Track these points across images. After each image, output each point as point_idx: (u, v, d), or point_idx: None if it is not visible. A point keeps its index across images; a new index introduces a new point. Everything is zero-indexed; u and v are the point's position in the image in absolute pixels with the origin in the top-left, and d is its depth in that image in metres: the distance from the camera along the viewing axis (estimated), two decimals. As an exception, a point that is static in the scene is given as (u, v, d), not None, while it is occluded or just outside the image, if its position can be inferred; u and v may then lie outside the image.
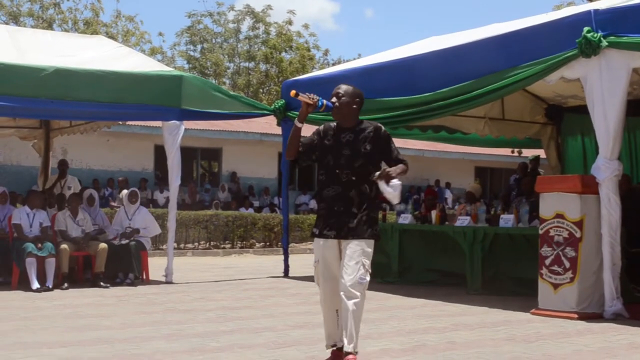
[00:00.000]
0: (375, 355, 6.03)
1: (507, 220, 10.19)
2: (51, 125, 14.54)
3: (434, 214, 11.48)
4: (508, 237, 10.12)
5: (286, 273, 12.70)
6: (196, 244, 18.67)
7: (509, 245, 10.11)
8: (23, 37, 12.42)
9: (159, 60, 20.95)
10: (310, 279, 11.96)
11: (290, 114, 12.62)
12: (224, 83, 37.51)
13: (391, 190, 5.35)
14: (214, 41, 38.49)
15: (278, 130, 14.00)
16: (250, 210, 21.63)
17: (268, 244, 19.54)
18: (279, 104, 12.85)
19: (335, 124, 5.69)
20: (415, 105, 10.47)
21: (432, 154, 26.92)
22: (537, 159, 14.50)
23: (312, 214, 22.46)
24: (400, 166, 5.45)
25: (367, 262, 5.41)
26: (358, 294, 5.35)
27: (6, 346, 6.28)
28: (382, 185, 5.38)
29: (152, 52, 36.45)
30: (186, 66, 37.21)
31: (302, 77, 15.37)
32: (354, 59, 31.25)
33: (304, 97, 5.51)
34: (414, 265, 11.60)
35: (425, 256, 11.59)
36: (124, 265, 11.15)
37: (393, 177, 5.34)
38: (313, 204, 24.67)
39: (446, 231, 10.93)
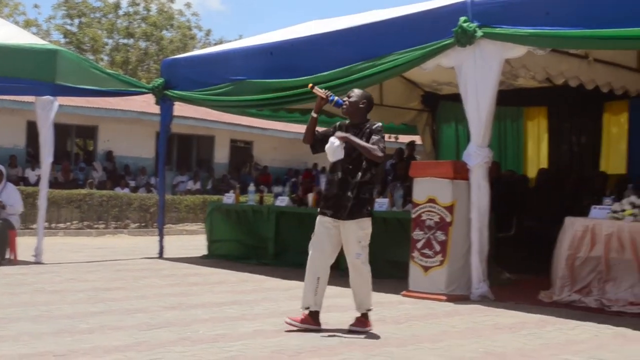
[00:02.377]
0: (248, 336, 6.04)
1: (381, 204, 10.36)
2: None
3: (310, 197, 11.55)
4: (382, 221, 10.27)
5: (161, 254, 12.55)
6: (69, 223, 18.19)
7: (383, 229, 10.25)
8: None
9: (33, 34, 20.16)
10: (185, 260, 11.94)
11: (169, 93, 12.43)
12: (102, 59, 36.59)
13: (329, 145, 6.24)
14: (92, 16, 37.43)
15: (156, 109, 13.74)
16: (126, 190, 21.23)
17: (143, 224, 19.25)
18: (158, 83, 12.62)
19: (348, 121, 6.51)
20: (293, 88, 10.49)
21: (312, 138, 27.04)
22: (412, 144, 14.82)
23: (188, 194, 22.27)
24: (364, 143, 6.22)
25: (363, 240, 6.40)
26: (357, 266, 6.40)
27: None
28: (332, 139, 6.26)
29: (27, 25, 35.13)
30: (62, 40, 36.08)
31: (182, 55, 15.15)
32: (236, 39, 31.10)
33: (319, 92, 6.43)
34: (290, 247, 11.65)
35: (301, 239, 11.62)
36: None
37: (342, 138, 6.22)
38: (191, 184, 24.46)
39: (322, 214, 11.00)
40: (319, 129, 6.63)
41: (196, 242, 14.65)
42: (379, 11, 11.08)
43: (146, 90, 12.93)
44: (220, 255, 12.39)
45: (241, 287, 9.07)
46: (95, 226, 18.53)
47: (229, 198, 12.90)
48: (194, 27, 39.29)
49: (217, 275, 10.20)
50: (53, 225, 17.50)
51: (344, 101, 6.43)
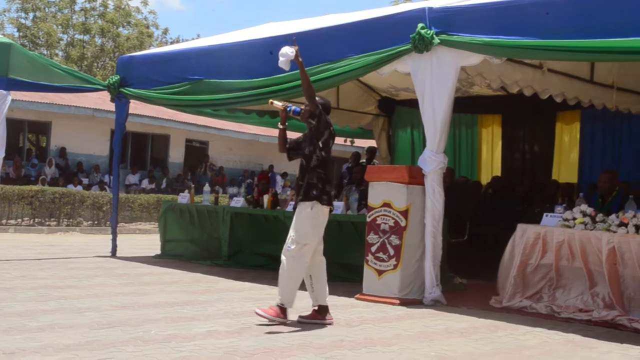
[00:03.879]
0: (201, 337, 6.02)
1: (337, 207, 10.36)
2: None
3: (266, 198, 11.55)
4: (337, 224, 10.30)
5: (114, 253, 12.43)
6: (20, 220, 17.94)
7: (338, 232, 10.29)
8: None
9: None
10: (138, 259, 11.85)
11: (124, 91, 12.33)
12: (57, 55, 36.16)
13: (284, 51, 6.75)
14: (47, 10, 36.98)
15: (111, 107, 13.65)
16: (79, 188, 21.01)
17: (96, 222, 19.05)
18: (114, 80, 12.50)
19: None
20: (250, 89, 10.49)
21: (267, 139, 27.03)
22: (373, 150, 14.87)
23: (142, 193, 22.10)
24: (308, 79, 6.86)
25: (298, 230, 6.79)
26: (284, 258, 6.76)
27: None
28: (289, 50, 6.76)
29: (-20, 17, 34.61)
30: (16, 34, 35.57)
31: (139, 53, 15.05)
32: (193, 39, 30.96)
33: (277, 105, 7.05)
34: (244, 248, 11.63)
35: (255, 240, 11.64)
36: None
37: (297, 59, 6.74)
38: (145, 183, 24.29)
39: (277, 215, 11.02)
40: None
41: (149, 242, 14.56)
42: (337, 15, 11.12)
43: (101, 87, 12.81)
44: (173, 255, 12.33)
45: (194, 288, 9.03)
46: (47, 223, 18.29)
47: (183, 198, 12.84)
48: (151, 26, 39.05)
49: (170, 275, 10.14)
50: (3, 221, 17.25)
51: (301, 109, 6.90)
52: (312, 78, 9.61)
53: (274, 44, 10.48)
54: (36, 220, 18.20)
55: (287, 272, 6.75)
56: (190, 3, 66.56)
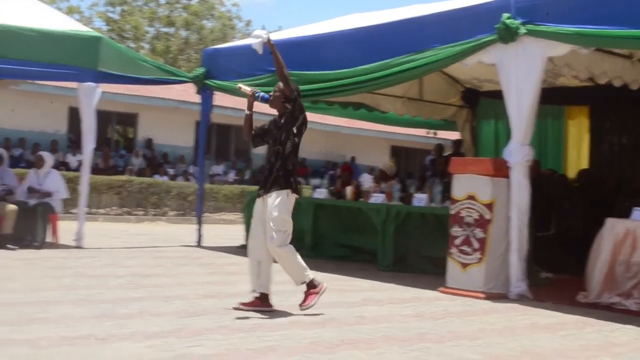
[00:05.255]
0: (286, 327, 6.08)
1: (420, 199, 10.36)
2: (-40, 80, 14.07)
3: (349, 190, 11.57)
4: (420, 216, 10.29)
5: (199, 242, 12.65)
6: (108, 209, 18.40)
7: (421, 224, 10.29)
8: None
9: (76, 20, 20.32)
10: (222, 249, 12.03)
11: (209, 82, 12.51)
12: (143, 47, 36.86)
13: (256, 33, 6.82)
14: (134, 4, 37.71)
15: (195, 98, 13.85)
16: (165, 178, 21.41)
17: (181, 212, 19.40)
18: (199, 72, 12.71)
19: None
20: (333, 80, 10.51)
21: (349, 131, 27.09)
22: (459, 142, 14.72)
23: (226, 184, 22.39)
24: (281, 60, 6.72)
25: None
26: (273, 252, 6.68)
27: None
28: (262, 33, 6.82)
29: (70, 12, 35.48)
30: (104, 28, 36.39)
31: (223, 45, 15.23)
32: (275, 31, 31.15)
33: (245, 90, 6.90)
34: (327, 240, 11.69)
35: (338, 231, 11.69)
36: (32, 228, 10.91)
37: (269, 43, 6.73)
38: (232, 175, 24.59)
39: (360, 207, 11.04)
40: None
41: (233, 232, 14.74)
42: (421, 6, 11.03)
43: (187, 80, 13.02)
44: (256, 245, 12.43)
45: (278, 278, 9.02)
46: (134, 213, 18.72)
47: (266, 189, 12.92)
48: (234, 18, 39.42)
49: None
50: (93, 210, 17.70)
51: (269, 95, 6.81)
52: (395, 69, 9.66)
53: (359, 35, 10.53)
54: (124, 209, 18.64)
55: (286, 260, 6.72)
56: (273, -6, 66.95)
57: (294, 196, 6.74)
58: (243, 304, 6.68)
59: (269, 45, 6.81)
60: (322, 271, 9.78)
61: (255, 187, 18.22)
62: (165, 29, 37.99)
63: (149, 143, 24.18)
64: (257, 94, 6.83)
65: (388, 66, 9.73)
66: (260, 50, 6.90)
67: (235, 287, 8.17)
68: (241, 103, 23.82)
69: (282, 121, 6.78)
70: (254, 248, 6.75)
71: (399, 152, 30.64)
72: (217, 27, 37.46)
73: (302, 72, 10.95)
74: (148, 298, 7.10)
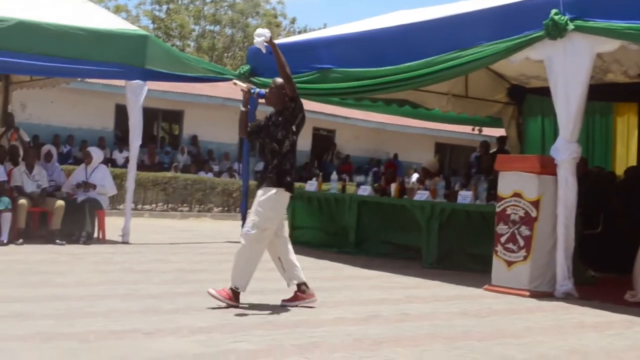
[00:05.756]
0: (330, 323, 6.09)
1: (465, 196, 10.30)
2: (10, 78, 14.31)
3: (393, 187, 11.54)
4: (465, 214, 10.24)
5: (243, 239, 12.69)
6: (154, 205, 18.59)
7: (466, 222, 10.23)
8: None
9: (123, 19, 20.53)
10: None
11: (254, 80, 12.56)
12: (189, 45, 37.15)
13: (260, 32, 6.74)
14: (180, 2, 38.03)
15: (241, 96, 13.90)
16: (210, 175, 21.56)
17: (226, 209, 19.52)
18: (244, 70, 12.78)
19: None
20: (378, 77, 10.49)
21: (394, 128, 27.02)
22: (503, 138, 14.60)
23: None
24: (283, 59, 6.61)
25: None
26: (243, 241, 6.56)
27: (-42, 299, 6.23)
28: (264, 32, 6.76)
29: (117, 10, 35.93)
30: (151, 26, 36.76)
31: (268, 43, 15.25)
32: (319, 28, 31.18)
33: (241, 86, 6.89)
34: (371, 237, 11.68)
35: (382, 229, 11.67)
36: (80, 223, 11.06)
37: (270, 43, 6.65)
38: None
39: (404, 204, 11.01)
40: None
41: (277, 229, 14.75)
42: (467, 2, 10.97)
43: (232, 77, 13.07)
44: (301, 242, 12.46)
45: (322, 274, 9.12)
46: (180, 209, 18.89)
47: (311, 186, 13.00)
48: (279, 15, 39.54)
49: (298, 262, 10.26)
50: (139, 206, 17.90)
51: (265, 92, 6.78)
52: (441, 66, 9.61)
53: (404, 32, 10.50)
54: (169, 205, 18.81)
55: (245, 256, 6.59)
56: (317, -8, 67.01)
57: (287, 195, 6.69)
58: (286, 300, 6.73)
59: (270, 44, 6.75)
60: (366, 268, 9.82)
61: (299, 184, 18.37)
62: (211, 27, 38.23)
63: (194, 140, 24.37)
64: (253, 90, 6.82)
65: (433, 63, 9.70)
66: (263, 49, 6.87)
67: (278, 284, 8.17)
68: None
69: (281, 119, 6.72)
70: (269, 246, 6.78)
71: (443, 149, 30.48)
72: (262, 24, 37.58)
73: (347, 69, 10.98)
74: (193, 293, 7.16)
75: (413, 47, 10.10)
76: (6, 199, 10.36)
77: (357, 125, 26.96)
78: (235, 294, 6.55)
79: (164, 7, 37.68)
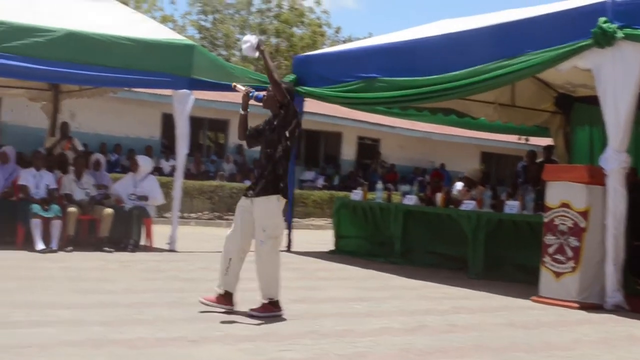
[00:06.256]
0: (376, 333, 6.07)
1: (512, 206, 10.21)
2: (60, 87, 14.55)
3: (439, 196, 11.49)
4: (512, 224, 10.15)
5: (289, 247, 12.73)
6: (200, 213, 18.72)
7: (513, 232, 10.14)
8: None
9: (170, 29, 20.75)
10: (312, 254, 12.09)
11: (300, 89, 12.59)
12: (234, 55, 37.40)
13: (246, 39, 6.73)
14: (226, 12, 38.32)
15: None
16: (255, 183, 21.62)
17: (271, 217, 19.54)
18: (290, 79, 12.81)
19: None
20: (424, 86, 10.46)
21: (439, 137, 26.91)
22: (550, 148, 14.45)
23: (315, 189, 22.52)
24: (272, 64, 6.64)
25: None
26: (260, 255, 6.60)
27: (10, 304, 6.34)
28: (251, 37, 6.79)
29: (164, 20, 36.26)
30: (197, 36, 37.08)
31: (314, 52, 15.33)
32: (364, 37, 31.19)
33: (240, 89, 6.81)
34: (417, 246, 11.63)
35: (427, 238, 11.61)
36: (128, 231, 11.19)
37: (259, 47, 6.62)
38: (320, 181, 24.70)
39: (450, 214, 10.95)
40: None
41: (322, 237, 14.80)
42: (513, 10, 10.89)
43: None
44: (347, 251, 12.50)
45: (368, 284, 9.12)
46: (225, 217, 18.97)
47: (356, 195, 12.99)
48: (324, 25, 39.63)
49: (344, 271, 10.29)
50: (185, 214, 18.02)
51: (263, 96, 6.70)
52: (487, 75, 9.55)
53: (450, 41, 10.45)
54: (215, 214, 18.93)
55: (268, 269, 6.58)
56: (364, 1, 67.06)
57: (283, 201, 6.64)
58: (207, 298, 6.65)
59: (258, 50, 6.72)
60: (412, 278, 9.77)
61: (344, 193, 18.38)
62: (256, 37, 38.44)
63: (239, 149, 24.51)
64: (251, 94, 6.73)
65: (480, 72, 9.64)
66: (252, 55, 6.83)
67: (324, 292, 8.21)
68: (332, 109, 23.79)
69: (275, 123, 6.65)
70: (229, 245, 6.71)
71: (489, 158, 30.26)
72: (307, 34, 37.72)
73: (393, 78, 10.96)
74: (240, 302, 7.18)
75: (459, 56, 10.05)
76: (56, 207, 10.54)
77: (402, 134, 26.89)
78: (274, 303, 6.57)
79: (210, 17, 37.98)
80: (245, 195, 6.71)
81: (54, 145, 13.46)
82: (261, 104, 6.75)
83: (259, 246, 6.54)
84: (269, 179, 6.54)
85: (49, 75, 10.92)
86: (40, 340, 5.13)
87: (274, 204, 6.55)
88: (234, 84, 7.12)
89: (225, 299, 6.63)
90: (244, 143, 7.09)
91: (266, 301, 6.56)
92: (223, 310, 6.57)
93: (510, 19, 9.90)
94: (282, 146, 6.57)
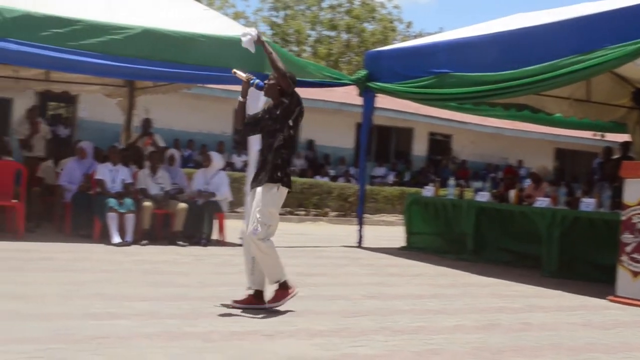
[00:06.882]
0: (449, 331, 6.03)
1: (588, 204, 10.01)
2: (135, 84, 14.80)
3: (512, 193, 11.34)
4: (588, 221, 9.95)
5: (360, 243, 12.74)
6: (271, 209, 18.83)
7: (588, 230, 9.94)
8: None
9: (242, 25, 20.89)
10: (383, 250, 12.07)
11: (371, 85, 12.60)
12: (305, 51, 37.53)
13: (246, 32, 6.83)
14: (297, 8, 38.47)
15: (356, 100, 13.99)
16: (326, 179, 21.71)
17: (342, 213, 19.60)
18: (362, 74, 12.83)
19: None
20: (497, 82, 10.33)
21: (512, 133, 26.56)
22: (627, 144, 14.13)
23: (386, 185, 22.46)
24: (277, 57, 6.57)
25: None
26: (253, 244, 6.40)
27: (87, 296, 6.48)
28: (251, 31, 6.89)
29: (236, 17, 36.59)
30: (269, 32, 37.31)
31: (386, 48, 15.29)
32: (435, 32, 30.96)
33: (240, 76, 6.70)
34: (490, 244, 11.51)
35: (500, 236, 11.48)
36: (201, 226, 11.34)
37: (259, 41, 6.75)
38: (391, 177, 24.64)
39: (524, 211, 10.80)
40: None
41: (393, 233, 14.75)
42: (589, 4, 10.68)
43: (350, 82, 13.15)
44: (418, 247, 12.44)
45: (440, 281, 9.06)
46: (296, 213, 19.08)
47: (428, 191, 12.92)
48: (395, 20, 39.45)
49: (415, 268, 10.25)
50: (254, 210, 18.16)
51: (264, 84, 6.62)
52: (562, 71, 9.37)
53: (524, 35, 10.30)
54: (286, 209, 19.01)
55: (266, 255, 6.38)
56: (434, -4, 66.49)
57: (284, 190, 6.52)
58: (236, 301, 6.50)
59: (259, 42, 6.72)
60: (485, 275, 9.68)
61: (414, 189, 18.29)
62: (328, 33, 38.50)
63: (310, 145, 24.60)
64: (252, 81, 6.63)
65: (555, 67, 9.48)
66: (251, 49, 6.83)
67: (396, 289, 8.19)
68: (403, 105, 23.65)
69: (278, 112, 6.52)
70: (249, 244, 6.52)
71: (563, 155, 29.73)
72: (378, 29, 37.60)
73: (465, 73, 10.86)
74: (311, 297, 7.22)
75: (533, 50, 9.90)
76: (129, 201, 10.73)
77: (474, 130, 26.62)
78: (283, 285, 6.47)
79: (281, 13, 38.19)
80: (251, 188, 6.68)
81: (136, 141, 13.70)
82: (262, 91, 6.69)
83: (251, 234, 6.38)
84: (268, 168, 6.44)
85: (125, 72, 11.09)
86: (118, 331, 5.24)
87: (273, 192, 6.43)
88: (234, 70, 6.92)
89: (257, 298, 6.54)
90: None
91: (276, 287, 6.48)
92: (258, 310, 6.39)
93: (587, 12, 9.70)
94: (283, 135, 6.46)
